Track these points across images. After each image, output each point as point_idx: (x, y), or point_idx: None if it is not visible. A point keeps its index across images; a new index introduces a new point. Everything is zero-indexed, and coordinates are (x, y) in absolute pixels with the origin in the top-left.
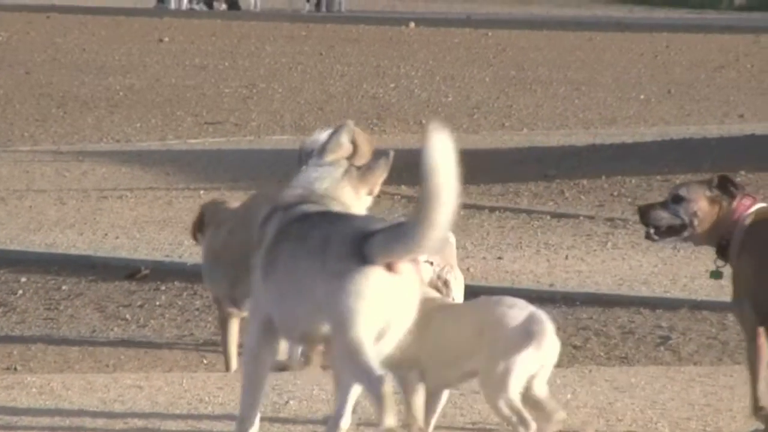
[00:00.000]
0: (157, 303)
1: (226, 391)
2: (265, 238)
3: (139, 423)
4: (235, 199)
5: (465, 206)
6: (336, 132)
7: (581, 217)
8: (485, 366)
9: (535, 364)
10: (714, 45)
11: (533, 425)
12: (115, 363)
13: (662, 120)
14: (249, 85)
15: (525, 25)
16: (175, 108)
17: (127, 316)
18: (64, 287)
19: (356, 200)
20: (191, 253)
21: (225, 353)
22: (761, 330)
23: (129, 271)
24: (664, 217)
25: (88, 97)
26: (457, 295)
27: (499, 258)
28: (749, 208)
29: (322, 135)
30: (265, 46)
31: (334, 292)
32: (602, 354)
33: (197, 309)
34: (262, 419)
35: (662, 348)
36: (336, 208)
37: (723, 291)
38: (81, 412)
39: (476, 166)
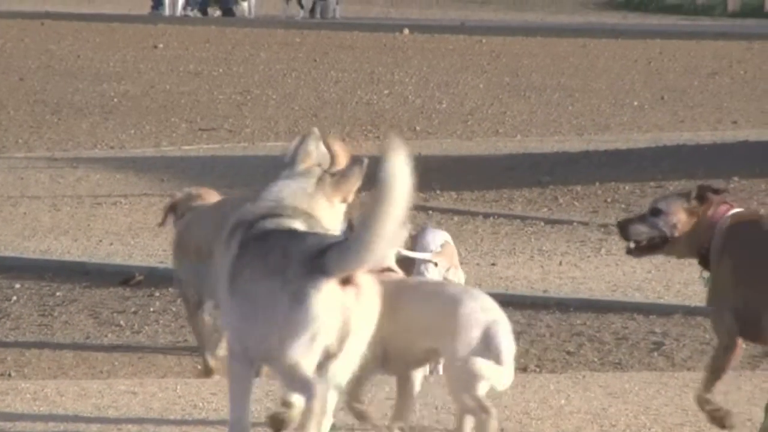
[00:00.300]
0: (152, 309)
1: (220, 396)
2: (230, 252)
3: (134, 429)
4: (211, 194)
5: (459, 212)
6: (302, 141)
7: (575, 224)
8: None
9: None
10: (707, 51)
11: (495, 411)
12: (109, 369)
13: (656, 126)
14: (243, 92)
15: (519, 31)
16: (169, 114)
17: (122, 322)
18: (58, 293)
19: (330, 208)
20: None
21: (201, 352)
22: (739, 340)
23: (123, 277)
24: (643, 231)
25: (82, 103)
26: None
27: (493, 264)
28: (726, 213)
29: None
30: (260, 52)
31: (291, 308)
32: (596, 360)
33: None
34: (255, 426)
35: (656, 354)
36: (303, 219)
37: None
38: (75, 418)
39: (470, 173)
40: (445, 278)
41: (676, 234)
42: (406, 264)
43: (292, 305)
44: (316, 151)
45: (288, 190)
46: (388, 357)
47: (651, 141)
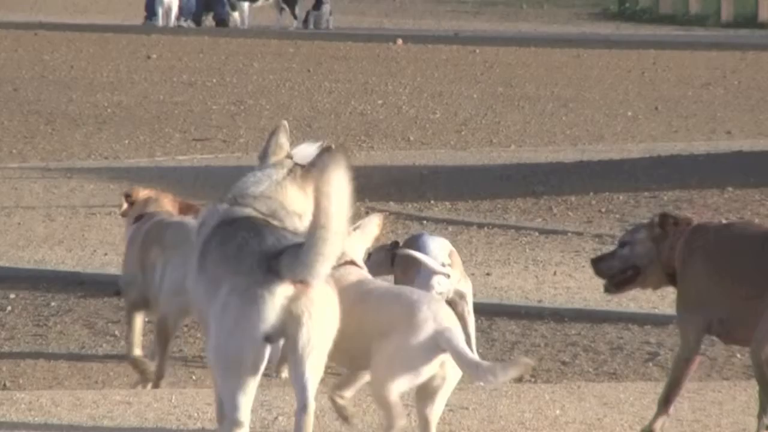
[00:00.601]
0: (146, 319)
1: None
2: (196, 246)
3: None
4: (167, 199)
5: (453, 222)
6: (273, 134)
7: (569, 234)
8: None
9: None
10: (701, 62)
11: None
12: (104, 379)
13: (650, 136)
14: (237, 102)
15: (512, 42)
16: (163, 125)
17: (116, 332)
18: (53, 303)
19: (304, 198)
20: None
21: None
22: (698, 356)
23: (118, 287)
24: (615, 265)
25: (76, 113)
26: (468, 302)
27: (488, 274)
28: (686, 229)
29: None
30: (253, 62)
31: (243, 307)
32: (591, 370)
33: (186, 325)
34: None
35: (651, 364)
36: (263, 203)
37: None
38: (70, 428)
39: (464, 183)
40: (457, 290)
41: (646, 262)
42: (407, 264)
43: (244, 305)
44: (287, 143)
45: (252, 179)
46: (353, 355)
47: (645, 151)
